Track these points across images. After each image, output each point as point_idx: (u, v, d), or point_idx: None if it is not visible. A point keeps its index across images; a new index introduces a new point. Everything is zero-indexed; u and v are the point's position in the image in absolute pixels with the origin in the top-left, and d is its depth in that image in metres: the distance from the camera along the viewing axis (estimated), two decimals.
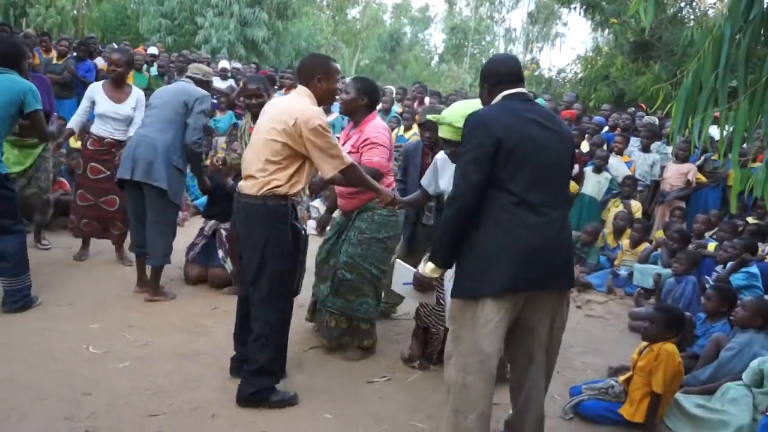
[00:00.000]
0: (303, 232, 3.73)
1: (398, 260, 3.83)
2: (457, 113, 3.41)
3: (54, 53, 10.32)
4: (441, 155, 3.95)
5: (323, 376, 4.01)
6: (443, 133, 3.53)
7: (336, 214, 4.47)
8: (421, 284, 3.14)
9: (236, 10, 21.52)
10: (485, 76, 3.01)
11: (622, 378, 3.86)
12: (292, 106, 3.38)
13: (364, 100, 4.18)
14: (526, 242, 2.70)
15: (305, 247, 3.84)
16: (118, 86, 5.49)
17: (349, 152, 4.03)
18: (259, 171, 3.38)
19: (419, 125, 4.80)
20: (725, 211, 7.53)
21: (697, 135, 2.72)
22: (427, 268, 3.01)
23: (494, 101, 2.93)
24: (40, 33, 11.86)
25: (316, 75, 3.44)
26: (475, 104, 3.28)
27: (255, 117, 4.67)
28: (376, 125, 4.18)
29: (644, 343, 3.87)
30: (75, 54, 10.16)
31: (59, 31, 19.34)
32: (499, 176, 2.71)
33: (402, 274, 3.55)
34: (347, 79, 6.14)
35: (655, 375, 3.61)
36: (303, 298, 4.49)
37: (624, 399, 3.76)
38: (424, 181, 4.10)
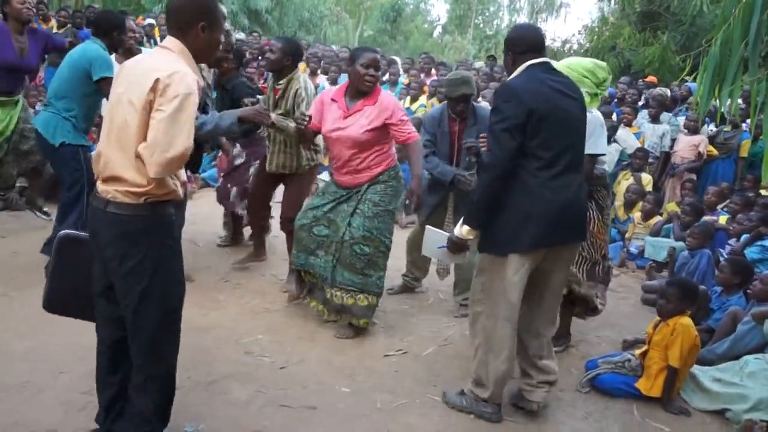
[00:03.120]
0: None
1: (428, 226, 3.95)
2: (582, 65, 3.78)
3: (53, 23, 10.19)
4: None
5: (338, 350, 4.00)
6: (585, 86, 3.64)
7: (327, 177, 4.36)
8: (456, 246, 3.37)
9: None
10: (511, 45, 3.17)
11: (638, 352, 3.84)
12: (155, 65, 2.40)
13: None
14: (551, 204, 2.99)
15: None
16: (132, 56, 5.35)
17: (365, 129, 3.99)
18: (129, 170, 2.38)
19: (451, 99, 4.55)
20: (738, 183, 7.47)
21: (725, 106, 2.66)
22: (463, 230, 3.23)
23: (519, 70, 3.11)
24: (36, 2, 11.65)
25: (197, 20, 2.48)
26: (571, 61, 3.70)
27: (278, 75, 4.64)
28: (391, 99, 4.16)
29: (659, 318, 3.85)
30: (72, 23, 10.01)
31: (60, 2, 19.08)
32: (529, 144, 2.96)
33: (434, 239, 3.71)
34: (334, 47, 6.14)
35: (671, 349, 3.59)
36: None
37: (640, 373, 3.74)
38: None
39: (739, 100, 6.31)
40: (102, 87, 4.41)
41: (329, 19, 27.23)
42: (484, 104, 5.89)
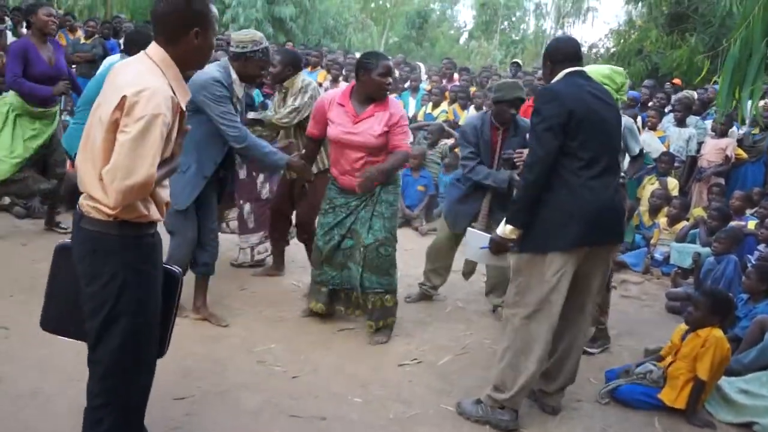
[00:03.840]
0: (175, 272, 2.59)
1: (470, 228, 4.02)
2: (599, 72, 3.87)
3: (81, 33, 10.32)
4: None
5: (352, 359, 3.94)
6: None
7: (331, 192, 4.28)
8: (498, 246, 3.39)
9: None
10: (550, 55, 3.34)
11: (662, 363, 3.72)
12: (126, 80, 2.16)
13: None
14: (591, 204, 3.07)
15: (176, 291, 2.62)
16: None
17: (378, 134, 3.96)
18: (97, 189, 2.19)
19: (504, 101, 4.45)
20: (766, 187, 7.28)
21: (747, 107, 2.56)
22: (506, 230, 3.26)
23: (557, 78, 3.25)
24: (63, 14, 11.83)
25: (191, 26, 2.25)
26: (589, 69, 3.68)
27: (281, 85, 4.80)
28: (399, 105, 4.16)
29: (684, 326, 3.74)
30: (101, 33, 10.14)
31: (90, 13, 19.41)
32: (570, 144, 3.06)
33: (476, 240, 3.76)
34: (358, 55, 6.16)
35: (701, 361, 3.47)
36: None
37: (662, 384, 3.63)
38: None
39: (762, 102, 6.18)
40: None
41: (354, 27, 27.30)
42: None
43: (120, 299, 2.23)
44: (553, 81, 3.27)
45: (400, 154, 4.02)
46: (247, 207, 5.44)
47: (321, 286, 4.31)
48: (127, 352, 2.29)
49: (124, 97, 2.08)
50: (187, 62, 2.32)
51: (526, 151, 3.63)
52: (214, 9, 2.35)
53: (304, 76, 4.76)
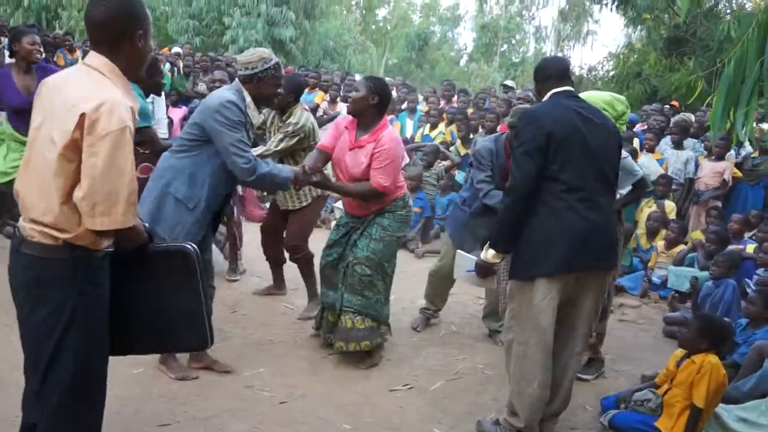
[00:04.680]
0: (187, 248, 2.41)
1: (459, 251, 3.98)
2: (600, 98, 3.85)
3: (79, 53, 10.34)
4: None
5: (342, 385, 3.85)
6: None
7: (339, 213, 4.27)
8: (483, 270, 3.42)
9: (263, 9, 21.45)
10: (537, 74, 3.33)
11: (660, 390, 3.64)
12: (79, 95, 2.01)
13: (375, 100, 3.93)
14: (577, 227, 3.02)
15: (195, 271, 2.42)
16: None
17: (363, 165, 3.88)
18: (48, 215, 2.04)
19: (516, 126, 4.26)
20: (764, 210, 7.22)
21: (741, 129, 2.51)
22: (488, 254, 3.26)
23: (545, 98, 3.23)
24: (63, 33, 11.86)
25: (135, 29, 2.13)
26: (590, 94, 3.79)
27: (281, 111, 4.63)
28: (389, 137, 3.94)
29: (680, 351, 3.66)
30: None
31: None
32: (551, 167, 3.01)
33: (464, 263, 3.76)
34: (357, 76, 6.02)
35: (697, 388, 3.38)
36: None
37: (660, 412, 3.54)
38: None
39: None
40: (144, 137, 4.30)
41: (354, 48, 27.40)
42: None
43: (70, 328, 2.10)
44: (541, 101, 3.26)
45: (366, 186, 3.88)
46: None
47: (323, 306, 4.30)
48: (79, 382, 2.16)
49: (83, 115, 1.94)
50: (132, 68, 2.19)
51: None
52: (149, 13, 2.22)
53: (302, 111, 4.63)
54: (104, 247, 2.16)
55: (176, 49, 12.36)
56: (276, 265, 5.22)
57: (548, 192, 3.03)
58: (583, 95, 3.76)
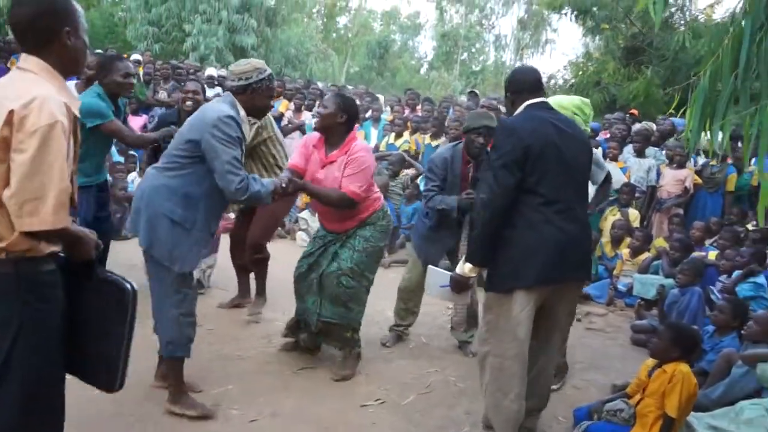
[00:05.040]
0: (126, 286, 2.29)
1: (431, 266, 3.95)
2: (572, 102, 3.91)
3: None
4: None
5: (313, 401, 3.77)
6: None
7: (304, 224, 4.24)
8: (459, 285, 3.41)
9: (225, 16, 21.22)
10: (509, 86, 3.28)
11: (632, 400, 3.64)
12: (7, 93, 1.98)
13: (343, 118, 3.87)
14: (554, 239, 3.02)
15: (128, 310, 2.30)
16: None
17: (336, 178, 3.83)
18: None
19: (472, 130, 4.37)
20: (726, 218, 7.35)
21: (717, 140, 2.52)
22: (465, 268, 3.26)
23: (518, 110, 3.20)
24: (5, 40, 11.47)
25: (62, 26, 2.07)
26: (562, 99, 3.88)
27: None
28: (361, 147, 3.92)
29: (651, 361, 3.66)
30: None
31: None
32: (528, 179, 2.99)
33: (437, 278, 3.74)
34: (320, 84, 6.02)
35: (669, 397, 3.38)
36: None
37: (633, 422, 3.54)
38: None
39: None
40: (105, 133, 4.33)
41: (315, 56, 27.29)
42: None
43: (15, 347, 2.01)
44: (515, 113, 3.22)
45: (337, 192, 3.81)
46: None
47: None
48: (29, 403, 2.06)
49: (11, 112, 1.89)
50: (65, 67, 2.12)
51: None
52: (78, 7, 2.16)
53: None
54: (47, 254, 2.05)
55: (136, 56, 12.10)
56: (243, 272, 5.16)
57: (526, 204, 3.02)
58: (555, 99, 3.86)
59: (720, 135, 2.46)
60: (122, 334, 2.28)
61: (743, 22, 2.46)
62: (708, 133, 2.55)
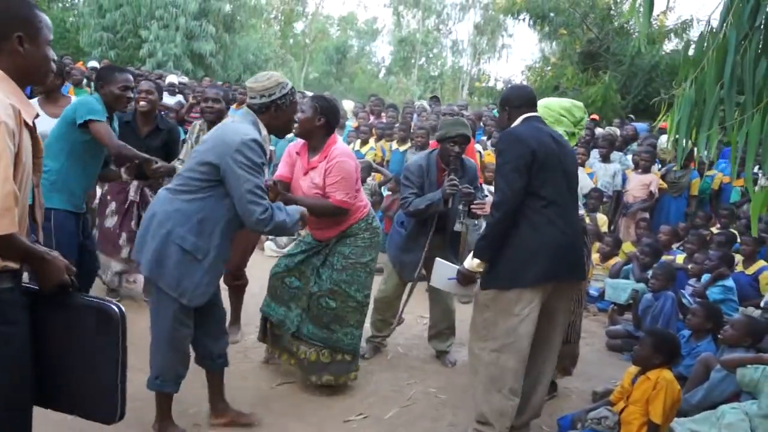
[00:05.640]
0: (113, 309, 2.17)
1: (438, 259, 3.93)
2: (560, 105, 4.06)
3: None
4: None
5: (294, 416, 3.69)
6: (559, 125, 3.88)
7: (303, 230, 4.16)
8: (465, 279, 3.48)
9: (182, 22, 20.96)
10: (508, 101, 3.48)
11: (616, 407, 3.65)
12: None
13: (321, 121, 3.75)
14: (556, 240, 3.20)
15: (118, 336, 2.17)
16: (54, 100, 4.81)
17: (316, 185, 3.76)
18: None
19: (446, 139, 4.31)
20: (690, 221, 7.49)
21: (704, 150, 2.53)
22: (473, 263, 3.34)
23: (516, 122, 3.40)
24: None
25: (11, 31, 1.99)
26: (550, 101, 4.09)
27: (211, 125, 4.47)
28: (340, 151, 3.79)
29: (634, 368, 3.68)
30: None
31: None
32: (533, 183, 3.18)
33: (444, 271, 3.76)
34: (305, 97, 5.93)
35: (653, 404, 3.40)
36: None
37: (618, 430, 3.54)
38: None
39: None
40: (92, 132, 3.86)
41: (274, 62, 27.14)
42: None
43: None
44: (513, 125, 3.40)
45: (324, 201, 3.74)
46: (124, 236, 5.00)
47: (264, 315, 4.16)
48: None
49: None
50: (22, 75, 2.03)
51: (489, 200, 3.74)
52: (41, 14, 2.07)
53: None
54: (6, 285, 1.93)
55: (93, 63, 11.84)
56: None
57: (529, 207, 3.19)
58: (543, 102, 3.99)
59: (705, 143, 2.46)
60: (116, 361, 2.16)
61: (728, 32, 2.47)
62: (695, 143, 2.56)
